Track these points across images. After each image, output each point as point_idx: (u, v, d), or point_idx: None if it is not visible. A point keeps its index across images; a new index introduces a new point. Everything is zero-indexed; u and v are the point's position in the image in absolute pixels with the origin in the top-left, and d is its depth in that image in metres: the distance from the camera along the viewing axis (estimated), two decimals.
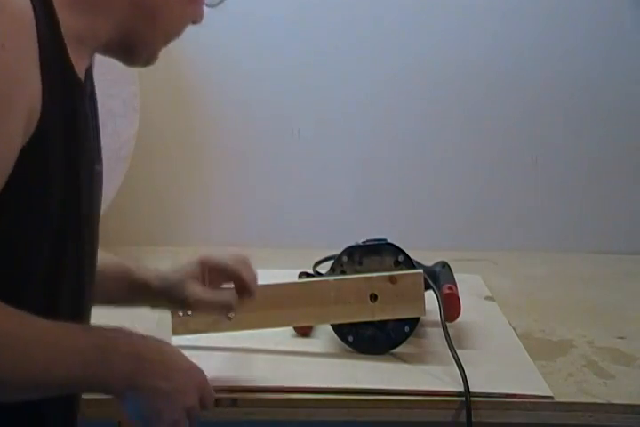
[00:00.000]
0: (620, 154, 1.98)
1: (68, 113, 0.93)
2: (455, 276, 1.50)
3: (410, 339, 1.36)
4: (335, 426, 1.29)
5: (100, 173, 1.05)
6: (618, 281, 1.79)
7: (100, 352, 0.88)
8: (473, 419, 1.21)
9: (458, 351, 1.30)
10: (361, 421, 1.25)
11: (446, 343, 1.31)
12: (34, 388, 0.86)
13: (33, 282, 0.93)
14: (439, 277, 1.47)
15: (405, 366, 1.33)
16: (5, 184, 0.85)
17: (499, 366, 1.34)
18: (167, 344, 0.98)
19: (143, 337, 0.94)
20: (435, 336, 1.41)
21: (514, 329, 1.49)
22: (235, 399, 1.22)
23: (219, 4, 1.07)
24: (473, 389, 1.23)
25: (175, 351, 0.97)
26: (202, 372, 1.00)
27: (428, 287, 1.37)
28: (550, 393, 1.25)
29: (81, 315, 1.03)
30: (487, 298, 1.65)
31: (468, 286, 1.60)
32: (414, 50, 1.92)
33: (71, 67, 0.93)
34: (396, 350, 1.36)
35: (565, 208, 2.01)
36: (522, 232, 2.01)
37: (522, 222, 2.01)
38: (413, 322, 1.35)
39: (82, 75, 0.97)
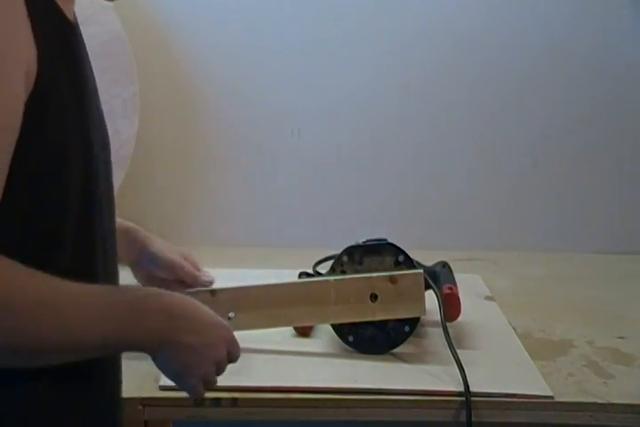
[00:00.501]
0: (620, 154, 1.99)
1: (66, 57, 0.94)
2: (455, 276, 1.50)
3: (410, 339, 1.36)
4: (335, 426, 1.29)
5: (102, 111, 1.07)
6: (618, 281, 1.79)
7: (134, 313, 0.90)
8: (473, 419, 1.21)
9: (458, 351, 1.30)
10: (361, 421, 1.25)
11: (446, 343, 1.31)
12: (69, 352, 0.87)
13: (66, 241, 0.93)
14: (439, 277, 1.47)
15: (405, 366, 1.33)
16: (25, 140, 0.85)
17: (499, 366, 1.34)
18: (194, 300, 0.98)
19: (171, 295, 0.95)
20: (435, 336, 1.41)
21: (514, 329, 1.49)
22: (235, 399, 1.22)
23: None
24: (473, 389, 1.23)
25: (202, 307, 0.98)
26: (227, 327, 1.02)
27: (428, 287, 1.37)
28: (550, 393, 1.25)
29: (111, 273, 1.04)
30: (487, 298, 1.65)
31: (467, 285, 1.59)
32: (415, 50, 1.92)
33: (61, 12, 0.95)
34: (396, 350, 1.36)
35: (565, 208, 2.01)
36: (522, 232, 2.02)
37: (522, 222, 2.02)
38: (413, 322, 1.35)
39: (71, 17, 0.99)
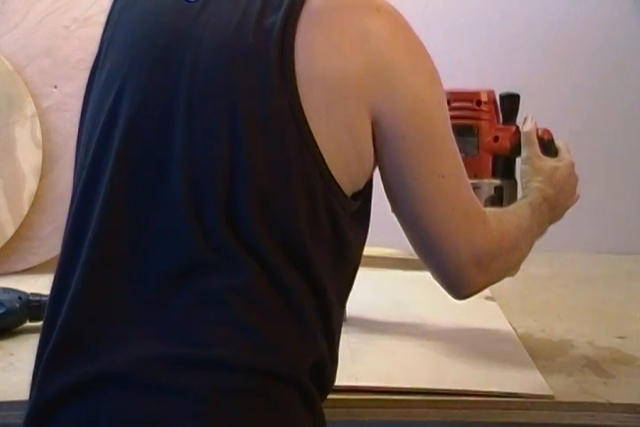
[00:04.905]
0: (621, 154, 1.99)
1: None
2: None
3: (410, 339, 1.36)
4: (335, 426, 1.29)
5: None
6: (618, 281, 1.79)
7: (542, 216, 1.34)
8: (473, 419, 1.22)
9: (458, 351, 1.30)
10: (361, 421, 1.25)
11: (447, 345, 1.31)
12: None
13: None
14: None
15: (406, 365, 1.33)
16: None
17: (499, 366, 1.34)
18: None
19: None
20: (435, 336, 1.42)
21: (514, 329, 1.49)
22: None
23: None
24: (473, 388, 1.23)
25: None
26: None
27: None
28: (550, 393, 1.25)
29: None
30: (487, 298, 1.64)
31: None
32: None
33: None
34: (396, 350, 1.36)
35: None
36: None
37: None
38: None
39: None
